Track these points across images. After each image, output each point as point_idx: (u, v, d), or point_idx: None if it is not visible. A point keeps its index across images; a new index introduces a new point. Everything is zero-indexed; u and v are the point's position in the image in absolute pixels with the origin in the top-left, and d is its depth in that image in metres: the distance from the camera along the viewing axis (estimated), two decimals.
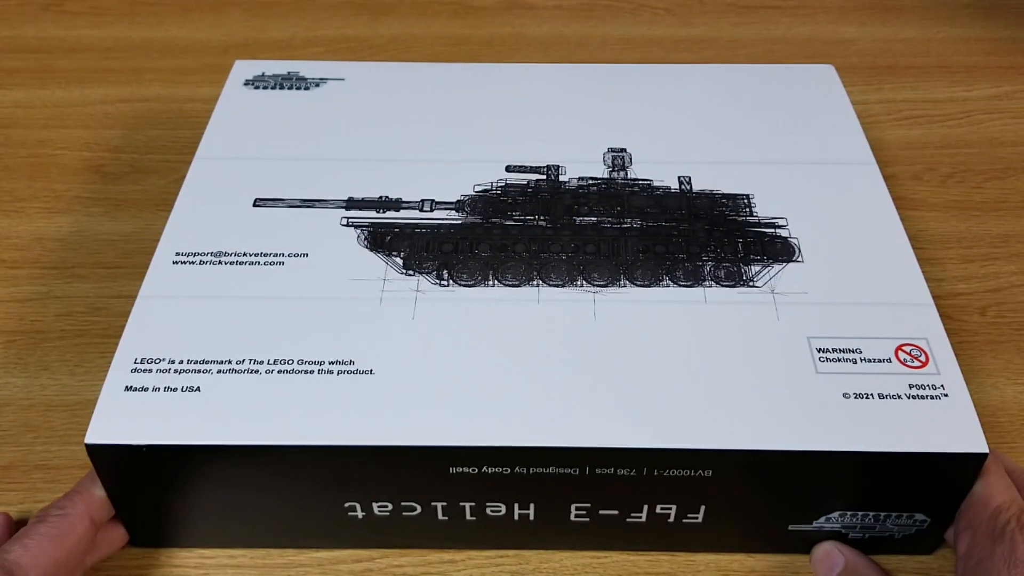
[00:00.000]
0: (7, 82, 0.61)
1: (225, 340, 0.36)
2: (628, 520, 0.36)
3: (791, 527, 0.36)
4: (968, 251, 0.50)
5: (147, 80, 0.61)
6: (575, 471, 0.34)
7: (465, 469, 0.34)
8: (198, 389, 0.34)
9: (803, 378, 0.35)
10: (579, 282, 0.39)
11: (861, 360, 0.36)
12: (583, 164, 0.44)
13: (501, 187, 0.43)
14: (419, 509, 0.35)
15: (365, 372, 0.35)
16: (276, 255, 0.39)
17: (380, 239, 0.40)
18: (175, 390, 0.34)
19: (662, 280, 0.39)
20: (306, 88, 0.48)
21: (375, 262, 0.39)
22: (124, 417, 0.34)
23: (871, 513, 0.35)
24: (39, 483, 0.40)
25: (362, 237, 0.40)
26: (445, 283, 0.38)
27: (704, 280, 0.39)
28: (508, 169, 0.44)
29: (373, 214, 0.41)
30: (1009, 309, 0.47)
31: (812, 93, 0.48)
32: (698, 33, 0.66)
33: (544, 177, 0.43)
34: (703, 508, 0.35)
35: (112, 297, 0.47)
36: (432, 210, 0.42)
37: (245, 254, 0.39)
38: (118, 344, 0.36)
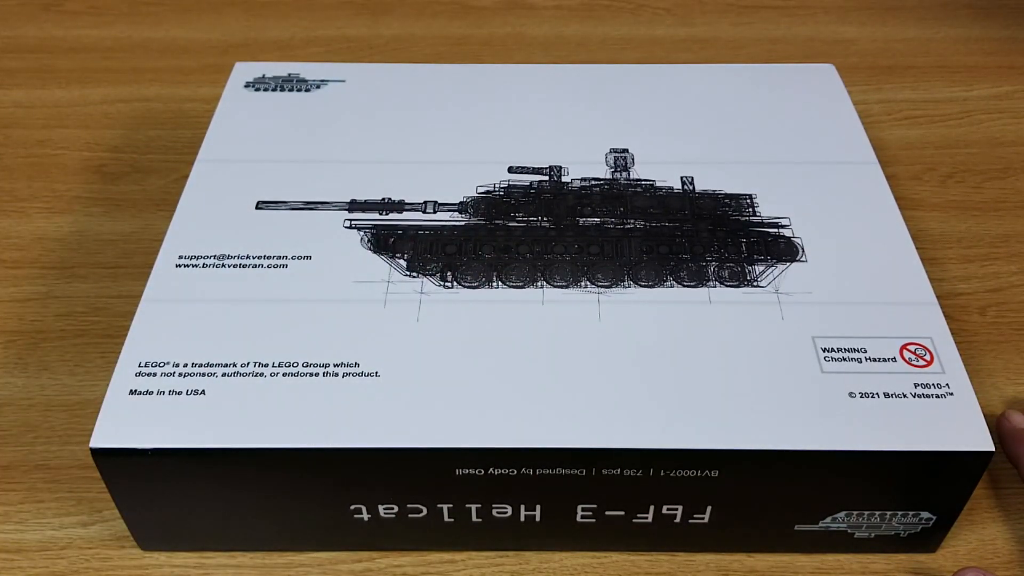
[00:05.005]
0: (7, 82, 0.61)
1: (229, 343, 0.36)
2: (634, 521, 0.36)
3: (797, 527, 0.36)
4: (968, 251, 0.50)
5: (147, 80, 0.61)
6: (581, 472, 0.34)
7: (471, 471, 0.34)
8: (203, 392, 0.34)
9: (809, 378, 0.35)
10: (583, 283, 0.39)
11: (866, 359, 0.36)
12: (585, 165, 0.44)
13: (504, 188, 0.43)
14: (425, 511, 0.35)
15: (370, 374, 0.35)
16: (279, 258, 0.39)
17: (383, 241, 0.40)
18: (180, 393, 0.34)
19: (666, 280, 0.39)
20: (307, 90, 0.48)
21: (379, 264, 0.39)
22: (129, 421, 0.34)
23: (877, 512, 0.35)
24: (39, 483, 0.40)
25: (365, 239, 0.40)
26: (449, 285, 0.38)
27: (708, 280, 0.39)
28: (510, 170, 0.44)
29: (376, 216, 0.41)
30: (1009, 309, 0.47)
31: (813, 93, 0.48)
32: (698, 33, 0.66)
33: (546, 178, 0.43)
34: (709, 508, 0.35)
35: (112, 297, 0.47)
36: (435, 212, 0.42)
37: (248, 257, 0.39)
38: (119, 346, 0.36)
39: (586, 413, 0.34)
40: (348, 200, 0.42)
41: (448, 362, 0.35)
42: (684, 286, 0.38)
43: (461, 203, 0.42)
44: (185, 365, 0.35)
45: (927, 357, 0.36)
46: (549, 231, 0.41)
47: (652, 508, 0.35)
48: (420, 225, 0.41)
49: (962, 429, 0.33)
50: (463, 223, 0.41)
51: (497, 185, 0.43)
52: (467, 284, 0.38)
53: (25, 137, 0.57)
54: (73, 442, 0.41)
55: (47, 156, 0.55)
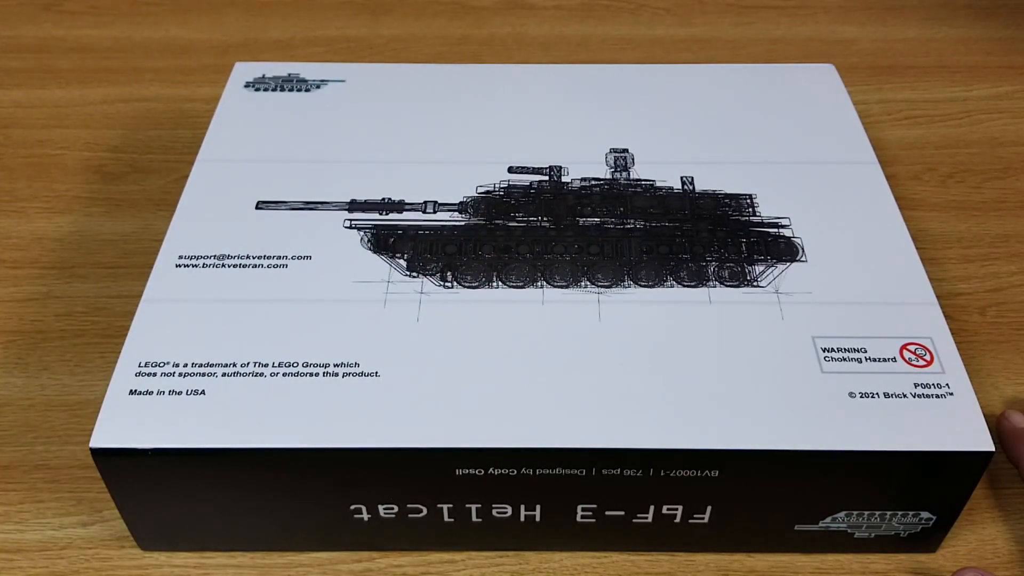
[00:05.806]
0: (7, 82, 0.61)
1: (229, 343, 0.36)
2: (634, 521, 0.36)
3: (797, 527, 0.36)
4: (968, 251, 0.50)
5: (147, 80, 0.61)
6: (581, 472, 0.34)
7: (471, 471, 0.34)
8: (203, 392, 0.34)
9: (809, 378, 0.35)
10: (583, 283, 0.39)
11: (866, 359, 0.36)
12: (585, 165, 0.44)
13: (504, 188, 0.43)
14: (425, 511, 0.35)
15: (370, 374, 0.35)
16: (279, 258, 0.39)
17: (383, 241, 0.40)
18: (180, 393, 0.34)
19: (666, 280, 0.39)
20: (307, 90, 0.48)
21: (379, 264, 0.39)
22: (129, 421, 0.34)
23: (877, 512, 0.35)
24: (39, 483, 0.40)
25: (365, 239, 0.40)
26: (449, 285, 0.38)
27: (708, 280, 0.39)
28: (510, 170, 0.44)
29: (376, 216, 0.41)
30: (1009, 309, 0.47)
31: (813, 93, 0.48)
32: (698, 33, 0.66)
33: (546, 178, 0.43)
34: (709, 508, 0.35)
35: (112, 297, 0.47)
36: (435, 212, 0.42)
37: (248, 257, 0.39)
38: (119, 346, 0.36)
39: (586, 413, 0.34)
40: (348, 200, 0.42)
41: (448, 362, 0.35)
42: (684, 286, 0.38)
43: (461, 203, 0.42)
44: (185, 365, 0.35)
45: (927, 357, 0.36)
46: (549, 231, 0.41)
47: (652, 508, 0.35)
48: (420, 225, 0.41)
49: (962, 429, 0.33)
50: (463, 223, 0.41)
51: (497, 185, 0.43)
52: (467, 284, 0.38)
53: (25, 137, 0.57)
54: (73, 442, 0.41)
55: (47, 156, 0.55)
